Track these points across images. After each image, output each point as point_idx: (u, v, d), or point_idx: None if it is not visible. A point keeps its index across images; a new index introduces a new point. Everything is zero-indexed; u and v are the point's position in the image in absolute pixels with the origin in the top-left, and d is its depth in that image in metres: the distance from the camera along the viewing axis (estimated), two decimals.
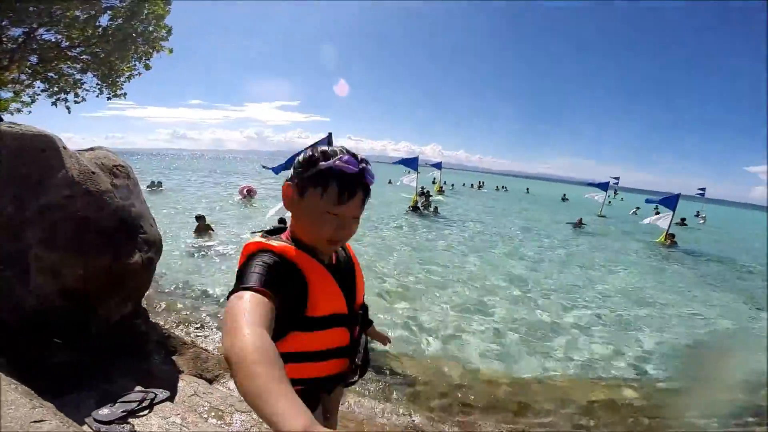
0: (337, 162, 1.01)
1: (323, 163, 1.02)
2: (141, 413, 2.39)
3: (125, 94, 8.21)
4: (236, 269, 0.99)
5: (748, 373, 4.71)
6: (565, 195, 39.55)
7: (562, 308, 7.00)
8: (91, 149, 3.50)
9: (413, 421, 3.41)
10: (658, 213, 16.35)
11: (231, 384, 3.46)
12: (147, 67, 8.00)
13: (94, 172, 2.89)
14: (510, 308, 6.66)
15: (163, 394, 2.58)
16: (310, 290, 1.04)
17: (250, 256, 1.01)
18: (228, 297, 0.85)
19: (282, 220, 10.17)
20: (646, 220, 16.64)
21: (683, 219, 25.07)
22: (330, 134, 5.94)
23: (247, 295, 0.81)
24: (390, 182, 31.91)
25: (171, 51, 8.09)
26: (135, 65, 7.83)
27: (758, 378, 4.49)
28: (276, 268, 0.96)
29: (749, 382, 4.53)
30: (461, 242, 12.32)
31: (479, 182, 46.11)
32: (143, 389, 2.57)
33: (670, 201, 15.74)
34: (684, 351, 5.79)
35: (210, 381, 3.47)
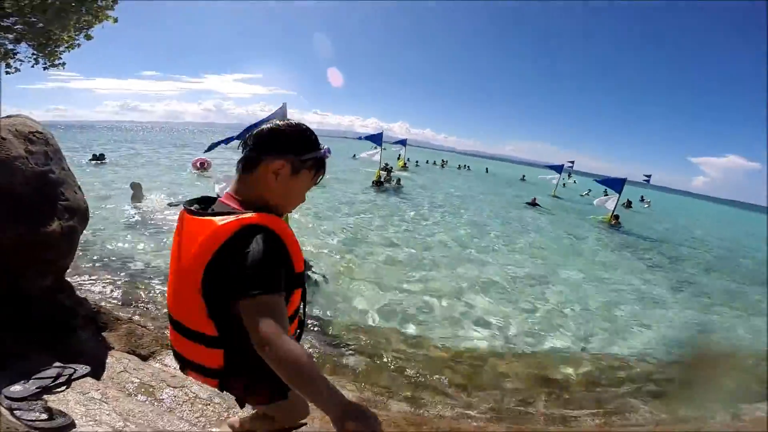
0: (327, 152, 1.25)
1: (321, 152, 1.23)
2: (57, 390, 2.26)
3: (64, 64, 7.58)
4: (214, 245, 1.05)
5: None
6: (524, 176, 41.26)
7: (502, 279, 7.43)
8: (8, 117, 3.23)
9: (361, 396, 3.44)
10: (606, 194, 17.42)
11: (166, 359, 3.36)
12: (88, 38, 7.39)
13: (4, 138, 2.66)
14: (450, 276, 7.01)
15: (82, 369, 2.45)
16: (291, 253, 1.14)
17: (246, 235, 1.03)
18: (252, 293, 0.95)
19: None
20: (595, 202, 17.98)
21: (630, 202, 26.64)
22: (284, 104, 5.76)
23: (279, 303, 0.99)
24: (354, 156, 32.24)
25: (116, 20, 7.49)
26: (76, 35, 7.22)
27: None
28: (281, 257, 1.07)
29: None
30: (418, 213, 12.75)
31: (442, 160, 47.01)
32: (61, 365, 2.43)
33: (616, 183, 16.98)
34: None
35: (145, 357, 3.34)
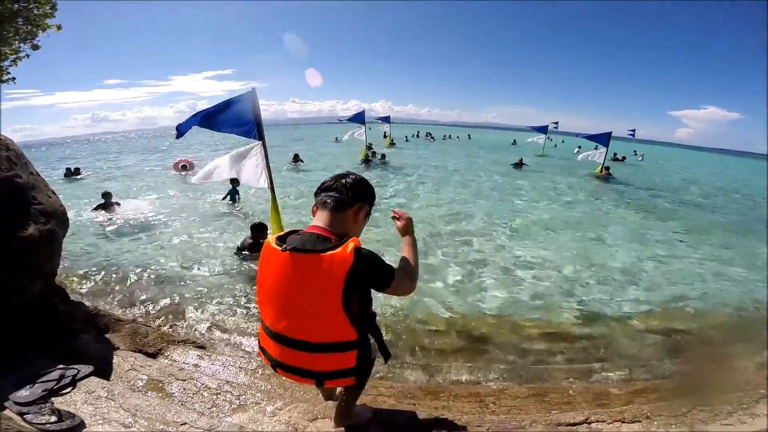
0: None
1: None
2: (64, 391, 2.21)
3: (13, 78, 7.20)
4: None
5: None
6: (515, 141, 41.40)
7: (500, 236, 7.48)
8: None
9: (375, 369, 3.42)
10: (597, 149, 17.71)
11: (174, 355, 3.30)
12: (35, 47, 7.03)
13: None
14: (453, 239, 6.96)
15: (86, 369, 2.40)
16: None
17: (366, 250, 1.46)
18: (393, 277, 1.49)
19: (235, 181, 9.69)
20: (580, 157, 18.50)
21: (623, 156, 27.47)
22: (253, 89, 5.56)
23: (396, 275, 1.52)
24: (336, 140, 32.01)
25: (59, 27, 7.09)
26: (20, 47, 6.83)
27: None
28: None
29: None
30: (408, 183, 13.03)
31: (426, 133, 47.15)
32: (64, 366, 2.38)
33: (602, 138, 17.59)
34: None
35: (153, 355, 3.29)
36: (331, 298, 1.41)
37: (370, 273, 1.46)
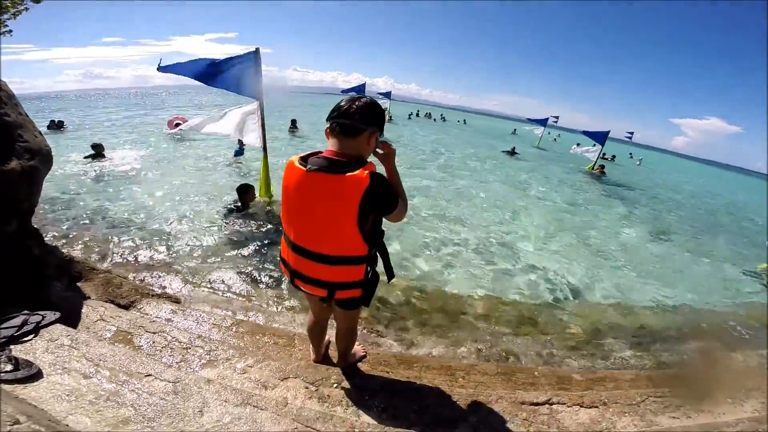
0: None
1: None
2: (25, 339, 2.12)
3: (10, 31, 6.88)
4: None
5: None
6: (515, 130, 41.37)
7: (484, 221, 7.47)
8: None
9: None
10: (595, 146, 17.82)
11: (147, 308, 3.26)
12: (36, 1, 6.69)
13: None
14: (439, 218, 6.96)
15: (51, 315, 2.31)
16: None
17: (380, 175, 1.63)
18: (396, 204, 1.69)
19: (240, 142, 9.61)
20: (572, 150, 18.67)
21: (613, 156, 27.99)
22: (257, 49, 5.45)
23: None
24: None
25: None
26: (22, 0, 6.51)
27: None
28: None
29: None
30: (404, 160, 12.84)
31: (426, 113, 47.04)
32: (28, 312, 2.29)
33: (599, 136, 17.74)
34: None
35: (126, 307, 3.24)
36: (348, 216, 1.58)
37: (382, 196, 1.60)
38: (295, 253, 1.77)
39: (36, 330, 2.21)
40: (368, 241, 1.70)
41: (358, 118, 1.62)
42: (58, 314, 2.37)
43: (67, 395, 1.80)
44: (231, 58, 5.26)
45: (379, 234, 1.79)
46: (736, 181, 46.51)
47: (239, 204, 5.95)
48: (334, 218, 1.61)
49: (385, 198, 1.63)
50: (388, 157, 1.80)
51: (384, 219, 1.76)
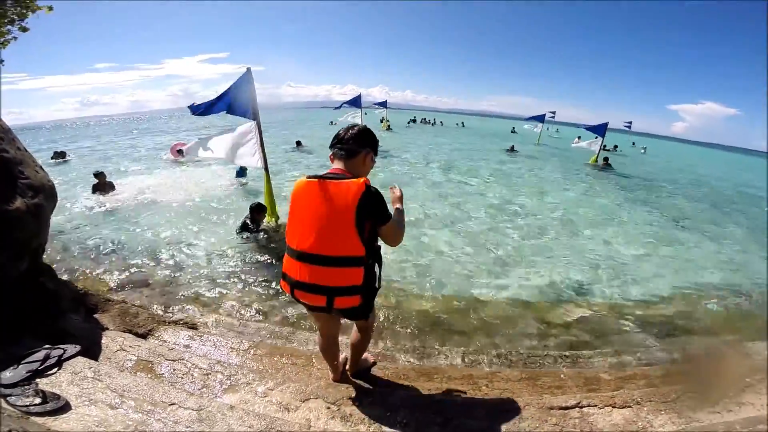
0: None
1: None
2: (49, 372, 2.15)
3: (1, 61, 6.96)
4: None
5: None
6: (514, 128, 41.37)
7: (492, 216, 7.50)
8: None
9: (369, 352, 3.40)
10: (597, 138, 17.82)
11: (165, 336, 3.27)
12: (23, 29, 6.78)
13: None
14: (445, 226, 6.87)
15: (72, 349, 2.33)
16: None
17: (374, 188, 1.88)
18: (389, 219, 1.90)
19: (243, 168, 9.84)
20: (573, 144, 18.69)
21: (615, 146, 27.67)
22: (248, 69, 5.52)
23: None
24: (332, 123, 32.06)
25: (50, 9, 6.86)
26: (8, 29, 6.59)
27: None
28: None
29: None
30: (406, 165, 13.33)
31: (423, 119, 47.34)
32: (50, 347, 2.32)
33: (599, 128, 17.80)
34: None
35: (143, 336, 3.26)
36: (346, 216, 1.80)
37: (375, 203, 1.84)
38: (298, 260, 1.91)
39: (59, 363, 2.24)
40: (365, 246, 1.85)
41: (353, 143, 1.99)
42: (78, 347, 2.39)
43: (97, 426, 1.81)
44: (231, 86, 5.41)
45: (376, 248, 2.01)
46: (740, 162, 46.11)
47: (251, 222, 6.00)
48: (334, 219, 1.82)
49: (378, 206, 1.86)
50: (398, 198, 2.17)
51: (382, 241, 2.00)
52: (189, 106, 5.32)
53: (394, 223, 1.93)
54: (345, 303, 1.92)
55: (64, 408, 1.90)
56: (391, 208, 1.99)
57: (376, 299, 2.22)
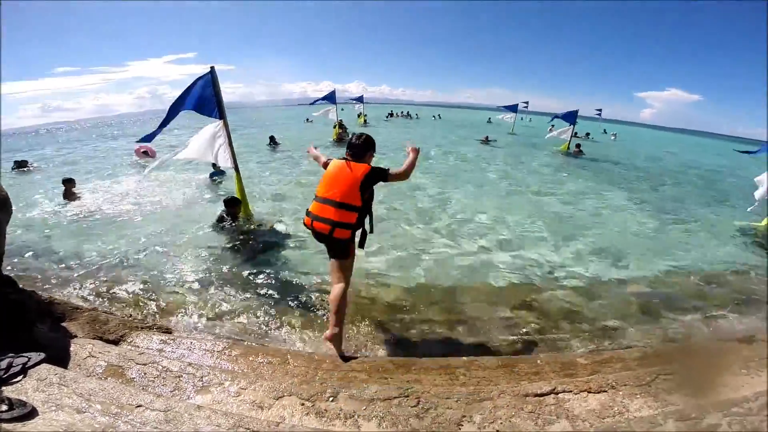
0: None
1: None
2: (13, 381, 2.10)
3: None
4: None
5: None
6: (490, 119, 41.82)
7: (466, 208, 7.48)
8: None
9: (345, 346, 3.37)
10: (568, 127, 18.16)
11: (137, 341, 3.19)
12: None
13: None
14: (423, 212, 6.90)
15: (36, 356, 2.28)
16: None
17: (375, 167, 3.01)
18: (387, 174, 3.01)
19: (215, 165, 9.50)
20: (548, 135, 19.09)
21: (587, 133, 28.84)
22: (212, 68, 5.40)
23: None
24: (308, 120, 31.89)
25: None
26: None
27: None
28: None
29: None
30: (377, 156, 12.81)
31: (400, 112, 47.45)
32: (13, 355, 2.26)
33: (569, 116, 18.10)
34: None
35: (115, 342, 3.17)
36: (355, 182, 2.89)
37: (375, 174, 2.96)
38: (320, 203, 2.97)
39: (23, 371, 2.19)
40: (362, 202, 2.93)
41: (361, 149, 3.08)
42: (43, 355, 2.33)
43: (64, 430, 1.78)
44: (189, 86, 5.26)
45: (370, 207, 3.06)
46: (703, 145, 47.71)
47: (227, 216, 6.00)
48: (348, 182, 2.90)
49: (378, 174, 2.97)
50: (416, 152, 3.34)
51: (392, 182, 3.13)
52: (137, 141, 5.25)
53: (393, 172, 3.04)
54: (340, 234, 2.90)
55: (31, 414, 1.88)
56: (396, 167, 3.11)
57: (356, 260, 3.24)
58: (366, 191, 2.91)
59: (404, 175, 3.08)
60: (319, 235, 2.99)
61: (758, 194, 6.90)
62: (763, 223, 7.25)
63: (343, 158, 3.05)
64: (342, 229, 2.87)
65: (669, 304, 4.44)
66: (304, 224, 3.07)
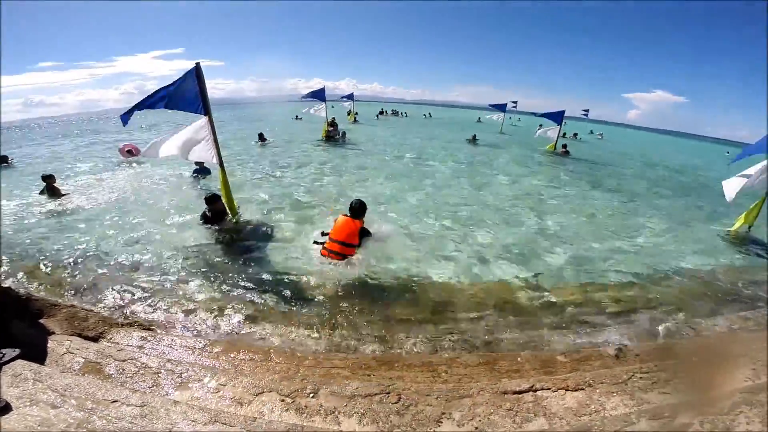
0: None
1: None
2: None
3: None
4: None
5: None
6: (479, 118, 41.95)
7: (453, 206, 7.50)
8: None
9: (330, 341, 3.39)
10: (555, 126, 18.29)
11: (116, 338, 3.15)
12: None
13: None
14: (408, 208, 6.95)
15: (11, 353, 2.26)
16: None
17: (364, 227, 4.96)
18: (369, 235, 5.02)
19: (199, 163, 9.66)
20: (536, 133, 19.17)
21: (575, 134, 29.14)
22: (197, 64, 5.31)
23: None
24: (297, 117, 31.67)
25: None
26: None
27: None
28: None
29: None
30: (365, 156, 13.45)
31: (392, 110, 47.57)
32: None
33: (556, 116, 18.06)
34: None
35: (94, 339, 3.12)
36: (355, 231, 4.70)
37: (364, 231, 4.83)
38: (333, 242, 4.70)
39: None
40: (359, 241, 4.77)
41: (359, 212, 4.82)
42: (18, 351, 2.30)
43: (39, 425, 1.77)
44: (175, 81, 5.16)
45: (363, 242, 4.86)
46: (686, 146, 48.44)
47: (209, 214, 5.94)
48: (350, 230, 4.68)
49: (365, 232, 4.86)
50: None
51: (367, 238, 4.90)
52: (121, 116, 5.00)
53: (370, 237, 4.96)
54: (350, 254, 4.72)
55: (5, 409, 1.86)
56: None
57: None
58: (360, 236, 4.76)
59: (372, 240, 5.03)
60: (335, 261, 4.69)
61: (729, 196, 6.99)
62: (736, 225, 7.36)
63: (345, 215, 4.80)
64: (350, 254, 4.75)
65: (647, 302, 4.51)
66: (321, 254, 4.78)
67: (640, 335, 3.81)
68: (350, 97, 29.31)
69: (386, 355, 3.23)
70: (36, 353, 2.54)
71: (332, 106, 18.84)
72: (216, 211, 5.95)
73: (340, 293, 4.22)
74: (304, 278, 4.56)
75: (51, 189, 8.21)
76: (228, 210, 6.14)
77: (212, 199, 5.91)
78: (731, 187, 6.85)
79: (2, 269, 4.74)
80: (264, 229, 6.13)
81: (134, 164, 12.35)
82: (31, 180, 9.76)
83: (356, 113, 31.47)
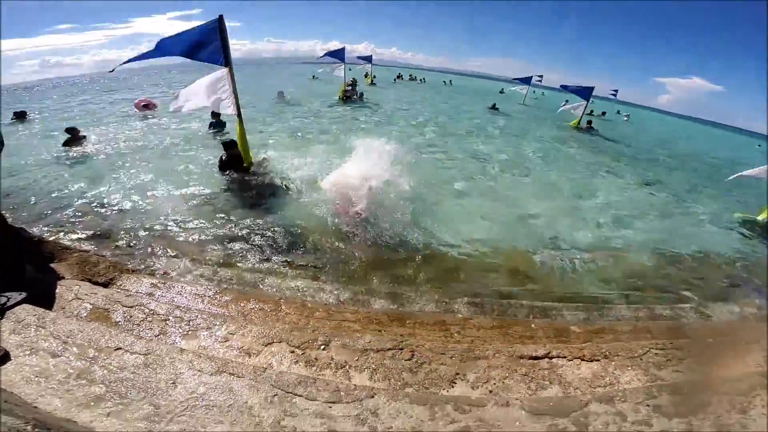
0: None
1: None
2: None
3: None
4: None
5: None
6: (503, 89, 40.75)
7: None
8: None
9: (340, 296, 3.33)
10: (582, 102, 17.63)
11: (127, 284, 3.12)
12: None
13: None
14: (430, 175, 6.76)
15: (16, 296, 2.19)
16: None
17: None
18: None
19: (216, 114, 9.56)
20: (561, 107, 18.52)
21: (603, 112, 28.18)
22: (220, 16, 5.11)
23: None
24: (314, 77, 31.29)
25: None
26: None
27: None
28: None
29: None
30: (385, 118, 13.29)
31: (409, 75, 46.58)
32: None
33: (584, 92, 17.36)
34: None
35: (105, 285, 3.10)
36: None
37: None
38: None
39: (1, 312, 2.09)
40: None
41: None
42: (24, 294, 2.24)
43: (36, 377, 1.70)
44: (195, 27, 4.99)
45: None
46: (719, 136, 46.68)
47: (226, 159, 6.08)
48: None
49: None
50: None
51: None
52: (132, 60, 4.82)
53: None
54: None
55: (4, 358, 1.79)
56: None
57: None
58: None
59: None
60: None
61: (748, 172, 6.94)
62: (763, 215, 7.07)
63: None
64: None
65: (662, 284, 4.34)
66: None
67: (654, 314, 3.67)
68: (368, 59, 28.61)
69: (398, 311, 3.16)
70: (43, 298, 2.49)
71: (350, 69, 18.43)
72: (232, 156, 6.05)
73: (353, 248, 4.15)
74: (318, 231, 4.49)
75: (73, 140, 8.37)
76: (244, 158, 6.13)
77: (230, 145, 6.04)
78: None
79: (19, 213, 4.75)
80: (278, 180, 6.06)
81: (150, 116, 12.39)
82: (49, 132, 9.84)
83: (374, 76, 30.82)
